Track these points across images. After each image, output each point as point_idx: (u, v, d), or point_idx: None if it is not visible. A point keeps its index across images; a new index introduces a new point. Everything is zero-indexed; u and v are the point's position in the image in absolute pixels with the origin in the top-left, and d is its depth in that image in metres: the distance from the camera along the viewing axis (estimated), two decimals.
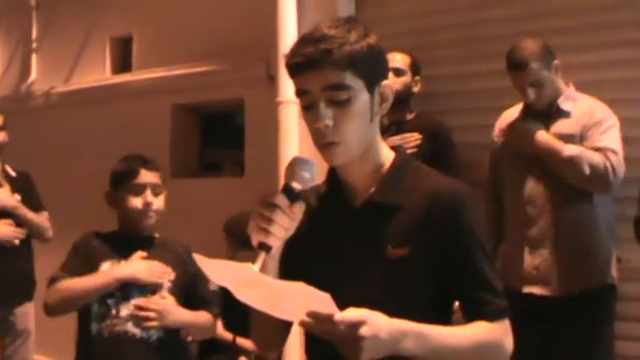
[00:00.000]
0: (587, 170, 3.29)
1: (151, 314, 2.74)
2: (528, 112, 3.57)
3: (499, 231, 3.63)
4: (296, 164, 1.65)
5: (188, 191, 5.12)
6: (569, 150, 3.35)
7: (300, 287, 1.48)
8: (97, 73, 6.04)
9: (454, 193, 1.73)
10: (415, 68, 3.98)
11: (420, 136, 3.76)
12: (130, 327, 2.78)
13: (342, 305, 1.55)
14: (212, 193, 5.12)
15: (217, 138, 5.61)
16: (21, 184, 4.50)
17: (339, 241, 1.75)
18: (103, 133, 5.78)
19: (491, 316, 1.70)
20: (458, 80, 4.23)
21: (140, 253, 2.85)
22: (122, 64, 5.98)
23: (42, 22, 6.48)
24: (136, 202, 2.89)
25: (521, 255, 3.48)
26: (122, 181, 2.92)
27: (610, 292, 3.46)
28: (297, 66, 1.65)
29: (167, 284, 2.86)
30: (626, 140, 3.42)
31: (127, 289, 2.81)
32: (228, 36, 5.04)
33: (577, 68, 3.68)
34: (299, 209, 1.64)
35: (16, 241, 4.29)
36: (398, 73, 3.90)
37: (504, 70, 3.52)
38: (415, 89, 3.97)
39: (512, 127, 3.60)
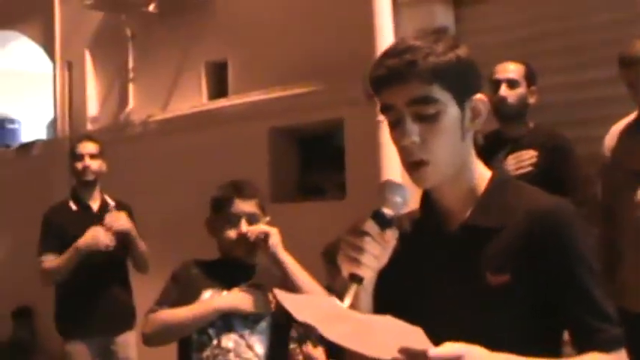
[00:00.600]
0: None
1: None
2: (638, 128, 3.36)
3: (615, 252, 3.42)
4: (387, 188, 1.56)
5: (288, 216, 5.00)
6: None
7: (389, 321, 1.40)
8: (194, 99, 6.06)
9: (557, 212, 1.58)
10: (530, 78, 3.73)
11: (536, 154, 3.54)
12: (232, 358, 2.69)
13: (438, 339, 1.43)
14: (313, 217, 5.02)
15: (317, 161, 5.54)
16: None
17: (435, 268, 1.63)
18: (201, 159, 5.77)
19: (605, 346, 1.52)
20: (566, 90, 4.04)
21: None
22: (218, 89, 5.98)
23: (138, 50, 6.55)
24: (231, 232, 2.79)
25: None
26: (218, 210, 2.85)
27: None
28: (381, 79, 1.56)
29: (268, 315, 2.76)
30: None
31: (229, 319, 2.73)
32: (324, 56, 4.97)
33: None
34: (391, 236, 1.55)
35: (109, 247, 4.25)
36: (512, 84, 3.68)
37: (613, 77, 3.35)
38: (531, 100, 3.73)
39: (625, 142, 3.41)
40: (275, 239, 2.73)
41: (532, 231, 1.55)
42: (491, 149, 3.51)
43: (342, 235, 1.54)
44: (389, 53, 1.55)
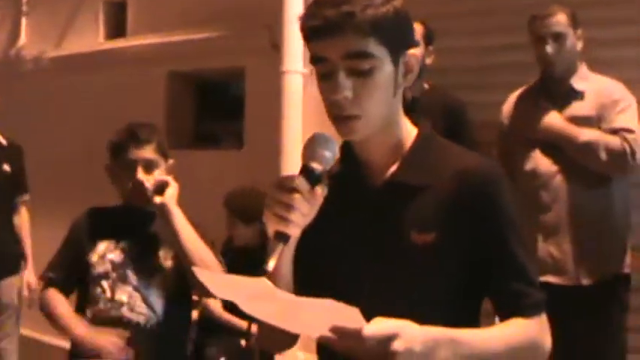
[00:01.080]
0: (604, 156, 3.18)
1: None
2: (539, 93, 3.41)
3: None
4: (316, 142, 1.47)
5: (183, 164, 4.90)
6: (584, 135, 3.22)
7: (323, 302, 1.32)
8: (90, 38, 5.85)
9: (486, 172, 1.56)
10: (428, 38, 3.73)
11: None
12: (126, 312, 2.61)
13: (361, 298, 1.39)
14: (209, 165, 4.95)
15: (215, 109, 5.43)
16: (12, 156, 4.41)
17: (357, 225, 1.57)
18: (95, 101, 5.60)
19: (529, 311, 1.53)
20: (472, 54, 4.05)
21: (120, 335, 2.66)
22: (116, 29, 5.79)
23: None
24: (128, 180, 2.70)
25: (535, 242, 3.31)
26: (115, 156, 2.75)
27: (624, 282, 3.33)
28: (315, 30, 1.47)
29: (165, 269, 2.68)
30: None
31: (124, 270, 2.66)
32: (228, 1, 4.84)
33: (594, 45, 3.50)
34: (320, 193, 1.47)
35: None
36: None
37: (518, 43, 3.38)
38: (428, 61, 3.73)
39: (522, 110, 3.44)
40: (172, 191, 2.64)
41: (459, 190, 1.53)
42: None
43: (269, 191, 1.46)
44: (324, 2, 1.47)
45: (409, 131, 1.61)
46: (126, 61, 5.42)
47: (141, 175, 2.66)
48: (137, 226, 2.73)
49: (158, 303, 2.66)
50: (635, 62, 3.61)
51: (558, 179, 3.30)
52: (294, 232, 1.45)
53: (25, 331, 4.85)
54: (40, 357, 4.96)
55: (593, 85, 3.33)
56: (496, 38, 3.98)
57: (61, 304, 2.73)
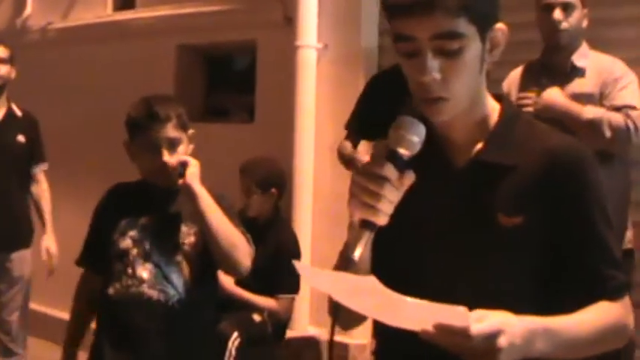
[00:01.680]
0: (608, 133, 3.17)
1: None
2: (541, 71, 3.39)
3: None
4: (404, 126, 1.41)
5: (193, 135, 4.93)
6: (588, 112, 3.20)
7: (431, 304, 1.29)
8: (98, 9, 5.79)
9: (575, 152, 1.51)
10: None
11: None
12: (146, 289, 2.58)
13: (444, 282, 1.39)
14: (219, 139, 4.91)
15: (225, 82, 5.39)
16: (27, 127, 4.37)
17: (441, 207, 1.52)
18: (103, 73, 5.56)
19: (615, 294, 1.50)
20: None
21: None
22: (125, 0, 5.72)
23: None
24: (150, 159, 2.62)
25: None
26: (135, 135, 2.66)
27: (627, 258, 3.31)
28: (402, 7, 1.40)
29: (187, 245, 2.65)
30: None
31: (147, 247, 2.61)
32: None
33: (597, 24, 3.48)
34: (409, 180, 1.42)
35: None
36: None
37: (525, 22, 3.32)
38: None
39: (524, 88, 3.41)
40: (193, 169, 2.59)
41: (547, 171, 1.48)
42: None
43: (354, 177, 1.40)
44: None
45: (493, 107, 1.56)
46: (135, 33, 5.38)
47: (166, 156, 2.61)
48: (160, 203, 2.69)
49: (179, 280, 2.62)
50: (635, 42, 3.61)
51: None
52: (383, 220, 1.40)
53: (35, 305, 4.85)
54: (49, 331, 4.96)
55: (594, 63, 3.31)
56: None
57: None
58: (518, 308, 1.37)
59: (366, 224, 1.38)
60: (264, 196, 3.97)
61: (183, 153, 2.63)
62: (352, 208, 1.40)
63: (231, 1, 4.80)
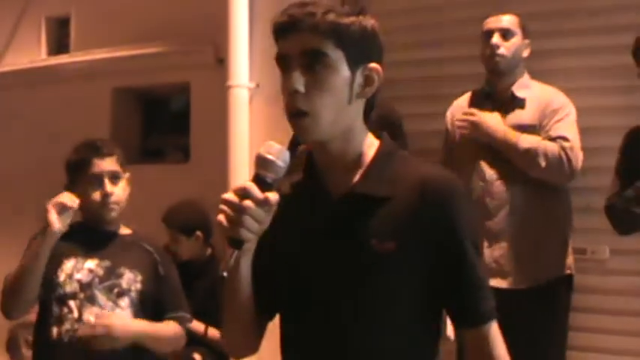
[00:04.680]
0: (542, 163, 3.26)
1: (99, 330, 2.55)
2: (484, 100, 3.50)
3: None
4: (268, 151, 1.51)
5: (129, 178, 4.94)
6: (524, 142, 3.30)
7: None
8: (32, 54, 5.77)
9: (445, 183, 1.60)
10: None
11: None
12: None
13: (321, 305, 1.45)
14: (155, 180, 4.93)
15: (160, 124, 5.43)
16: None
17: (318, 234, 1.60)
18: (40, 117, 5.54)
19: (484, 318, 1.59)
20: (419, 66, 4.15)
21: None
22: (59, 45, 5.74)
23: None
24: (95, 194, 2.70)
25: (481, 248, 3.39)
26: (77, 173, 2.74)
27: (566, 283, 3.42)
28: (279, 27, 1.56)
29: (133, 292, 2.69)
30: (583, 130, 3.38)
31: (92, 291, 2.65)
32: (172, 17, 4.86)
33: (540, 55, 3.63)
34: (273, 200, 1.49)
35: None
36: None
37: (469, 56, 3.45)
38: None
39: (467, 114, 3.51)
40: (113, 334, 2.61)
41: (419, 200, 1.56)
42: None
43: (220, 199, 1.48)
44: (295, 4, 1.56)
45: (371, 144, 1.65)
46: (70, 77, 5.38)
47: (109, 187, 2.68)
48: (102, 244, 2.73)
49: None
50: (579, 71, 3.74)
51: (500, 185, 3.38)
52: (247, 236, 1.47)
53: None
54: None
55: (535, 94, 3.42)
56: (444, 51, 4.08)
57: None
58: (394, 333, 1.48)
59: (232, 241, 1.46)
60: (190, 240, 4.03)
61: (123, 190, 2.71)
62: (219, 226, 1.47)
63: (165, 44, 4.85)
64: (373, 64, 1.59)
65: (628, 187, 3.03)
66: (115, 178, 2.72)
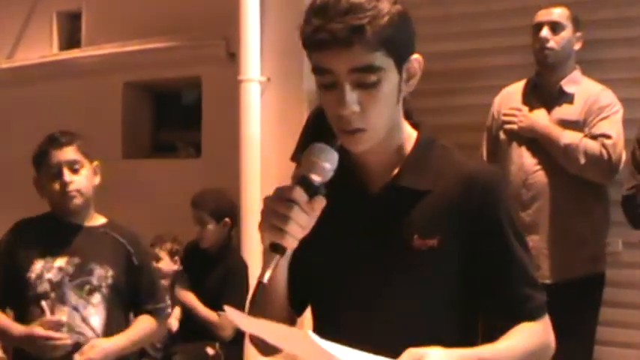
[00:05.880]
0: (582, 160, 3.25)
1: None
2: (531, 92, 3.48)
3: None
4: (316, 153, 1.44)
5: (141, 173, 4.97)
6: (565, 138, 3.29)
7: (361, 355, 1.31)
8: (44, 49, 5.80)
9: (490, 178, 1.55)
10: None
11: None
12: (65, 332, 2.60)
13: (363, 305, 1.41)
14: (166, 174, 4.95)
15: (171, 118, 5.43)
16: None
17: (356, 232, 1.54)
18: (50, 113, 5.52)
19: (534, 314, 1.54)
20: (458, 57, 4.10)
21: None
22: (70, 40, 5.76)
23: None
24: (55, 185, 2.69)
25: None
26: (39, 167, 2.75)
27: (599, 280, 3.42)
28: (321, 43, 1.42)
29: (104, 287, 2.69)
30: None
31: (63, 290, 2.64)
32: (184, 11, 4.86)
33: (593, 45, 3.59)
34: (319, 205, 1.42)
35: None
36: None
37: (510, 47, 3.49)
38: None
39: (513, 107, 3.49)
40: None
41: (463, 195, 1.51)
42: None
43: (265, 201, 1.42)
44: (329, 13, 1.41)
45: (409, 134, 1.58)
46: (81, 71, 5.39)
47: (67, 176, 2.67)
48: (70, 238, 2.72)
49: (97, 322, 2.67)
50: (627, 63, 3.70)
51: (540, 177, 3.37)
52: (291, 243, 1.41)
53: None
54: None
55: (583, 90, 3.39)
56: (483, 41, 4.02)
57: None
58: (435, 331, 1.43)
59: (274, 247, 1.40)
60: (218, 226, 4.05)
61: (87, 178, 2.70)
62: (261, 231, 1.42)
63: (176, 38, 4.85)
64: (414, 56, 1.51)
65: None
66: (74, 166, 2.70)
